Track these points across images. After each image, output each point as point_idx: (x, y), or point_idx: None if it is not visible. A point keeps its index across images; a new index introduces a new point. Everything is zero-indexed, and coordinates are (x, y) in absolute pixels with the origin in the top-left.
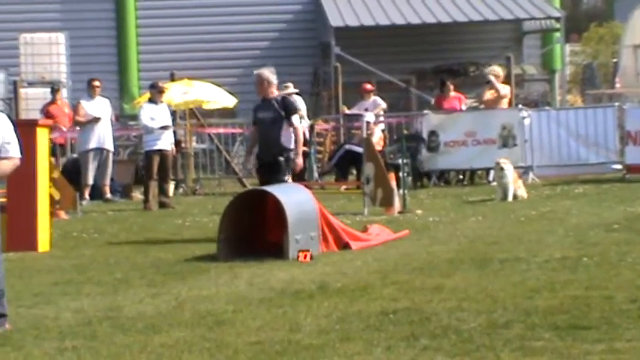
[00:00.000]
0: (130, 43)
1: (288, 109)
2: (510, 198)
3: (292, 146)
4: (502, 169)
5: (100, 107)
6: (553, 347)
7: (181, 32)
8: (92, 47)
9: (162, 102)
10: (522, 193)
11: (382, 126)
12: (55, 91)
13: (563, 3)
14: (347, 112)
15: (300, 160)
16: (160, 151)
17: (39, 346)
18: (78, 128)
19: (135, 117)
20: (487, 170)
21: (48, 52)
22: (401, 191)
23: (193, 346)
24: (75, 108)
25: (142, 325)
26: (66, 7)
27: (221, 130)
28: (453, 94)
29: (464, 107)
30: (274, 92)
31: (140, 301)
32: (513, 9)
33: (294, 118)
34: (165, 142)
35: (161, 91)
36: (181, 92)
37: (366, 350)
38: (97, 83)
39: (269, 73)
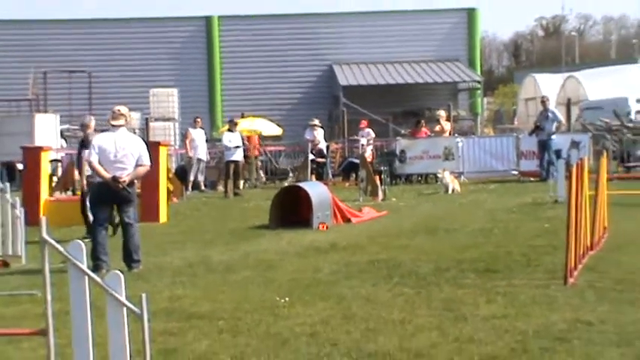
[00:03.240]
0: (217, 94)
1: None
2: (450, 191)
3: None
4: (443, 174)
5: (199, 134)
6: (475, 283)
7: (248, 88)
8: (193, 97)
9: (236, 131)
10: (457, 188)
11: (371, 147)
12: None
13: (482, 71)
14: (351, 138)
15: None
16: (234, 161)
17: (160, 280)
18: (189, 146)
19: (219, 140)
20: (435, 174)
21: (166, 100)
22: (383, 187)
23: (254, 281)
24: (185, 134)
25: (222, 268)
26: (177, 73)
27: (272, 148)
28: (423, 129)
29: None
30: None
31: (222, 253)
32: (452, 75)
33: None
34: (238, 155)
35: (235, 124)
36: (248, 124)
37: (361, 284)
38: (199, 120)
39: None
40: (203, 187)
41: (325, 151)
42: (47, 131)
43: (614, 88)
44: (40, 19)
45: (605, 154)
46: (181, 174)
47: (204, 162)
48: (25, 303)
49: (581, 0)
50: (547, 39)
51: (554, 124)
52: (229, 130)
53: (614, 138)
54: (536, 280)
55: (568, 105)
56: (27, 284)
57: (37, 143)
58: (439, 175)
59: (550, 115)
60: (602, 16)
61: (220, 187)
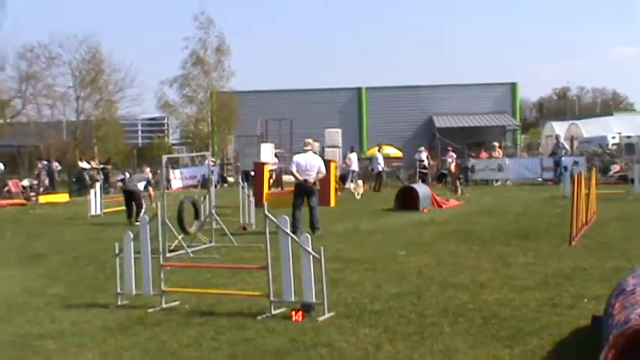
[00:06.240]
0: (364, 132)
1: None
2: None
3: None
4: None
5: (354, 155)
6: (516, 244)
7: (382, 128)
8: (349, 133)
9: (380, 153)
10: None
11: (454, 163)
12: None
13: (520, 119)
14: (442, 158)
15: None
16: (379, 172)
17: (330, 239)
18: (347, 162)
19: (365, 158)
20: (493, 180)
21: (335, 135)
22: (461, 187)
23: (385, 240)
24: (345, 155)
25: (366, 233)
26: (341, 120)
27: (395, 164)
28: (484, 153)
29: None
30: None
31: (366, 224)
32: (502, 121)
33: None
34: (379, 168)
35: (381, 148)
36: (380, 149)
37: (448, 244)
38: (355, 148)
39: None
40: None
41: (427, 165)
42: (267, 153)
43: (598, 130)
44: (266, 90)
45: (594, 168)
46: (342, 178)
47: (356, 172)
48: (256, 251)
49: (580, 77)
50: (558, 101)
51: (564, 151)
52: (378, 151)
53: (599, 159)
54: (553, 243)
55: (571, 140)
56: (256, 240)
57: (262, 160)
58: (497, 179)
59: (561, 145)
60: (592, 87)
61: (366, 187)
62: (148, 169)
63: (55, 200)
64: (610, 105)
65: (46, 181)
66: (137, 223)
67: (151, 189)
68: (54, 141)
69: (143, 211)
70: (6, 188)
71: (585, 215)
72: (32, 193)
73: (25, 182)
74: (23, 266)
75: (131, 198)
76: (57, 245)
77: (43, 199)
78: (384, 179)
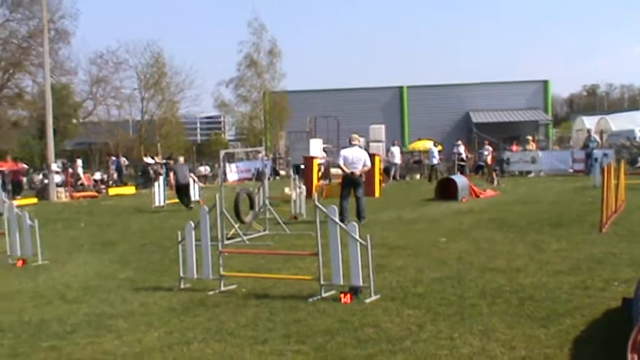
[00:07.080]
0: (405, 127)
1: None
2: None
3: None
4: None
5: (396, 149)
6: (549, 231)
7: (423, 124)
8: (392, 129)
9: (435, 147)
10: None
11: (490, 156)
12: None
13: (552, 114)
14: (479, 151)
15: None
16: (434, 164)
17: (376, 227)
18: (390, 155)
19: (408, 152)
20: (527, 171)
21: (378, 131)
22: (497, 178)
23: (426, 228)
24: (388, 149)
25: (409, 221)
26: (384, 116)
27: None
28: (515, 147)
29: (519, 149)
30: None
31: (408, 213)
32: (535, 116)
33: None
34: (434, 161)
35: (436, 143)
36: (421, 144)
37: (485, 231)
38: (397, 142)
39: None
40: (398, 178)
41: (464, 158)
42: (316, 148)
43: (627, 124)
44: (315, 89)
45: (622, 160)
46: (386, 171)
47: (398, 164)
48: (306, 238)
49: (608, 74)
50: (588, 97)
51: (595, 144)
52: (434, 145)
53: (627, 151)
54: (584, 230)
55: (601, 134)
56: (307, 229)
57: (311, 154)
58: (530, 170)
59: (592, 138)
60: (620, 84)
61: (407, 178)
62: (182, 159)
63: (123, 192)
64: (637, 100)
65: (115, 175)
66: (192, 206)
67: (191, 174)
68: (122, 138)
69: (193, 200)
70: (80, 182)
71: (615, 204)
72: (103, 186)
73: (97, 176)
74: (96, 253)
75: (185, 189)
76: (125, 233)
77: (112, 191)
78: (435, 171)
